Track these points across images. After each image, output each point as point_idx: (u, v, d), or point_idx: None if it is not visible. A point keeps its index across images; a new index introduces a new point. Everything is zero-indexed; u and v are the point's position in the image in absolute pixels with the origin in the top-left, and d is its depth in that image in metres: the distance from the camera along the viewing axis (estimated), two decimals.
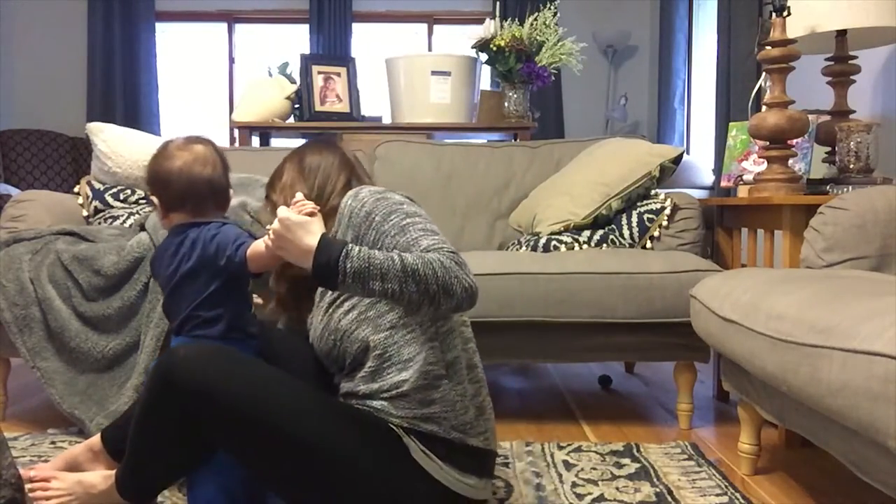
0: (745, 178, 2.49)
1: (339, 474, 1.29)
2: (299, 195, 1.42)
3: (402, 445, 1.33)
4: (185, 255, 1.48)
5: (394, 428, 1.34)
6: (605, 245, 2.44)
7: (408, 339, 1.36)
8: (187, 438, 1.34)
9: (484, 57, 3.36)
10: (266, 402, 1.28)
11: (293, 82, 3.58)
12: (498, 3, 3.71)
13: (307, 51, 5.60)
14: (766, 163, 2.30)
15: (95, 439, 1.64)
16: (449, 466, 1.35)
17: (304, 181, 1.55)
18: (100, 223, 2.58)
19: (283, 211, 1.33)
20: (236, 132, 3.62)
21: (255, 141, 3.75)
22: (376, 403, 1.36)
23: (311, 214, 1.34)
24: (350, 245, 1.29)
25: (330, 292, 1.43)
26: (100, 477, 1.53)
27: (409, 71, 3.40)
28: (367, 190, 1.42)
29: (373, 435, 1.33)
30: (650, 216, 2.46)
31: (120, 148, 2.70)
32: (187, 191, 1.51)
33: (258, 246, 1.43)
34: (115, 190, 2.68)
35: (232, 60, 6.07)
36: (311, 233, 1.30)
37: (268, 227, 1.34)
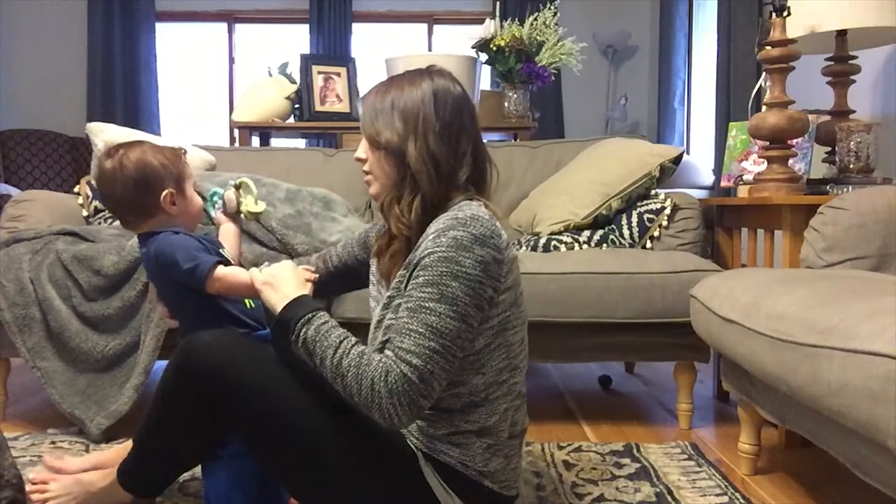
0: (745, 178, 2.49)
1: (345, 477, 1.27)
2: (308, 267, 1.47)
3: (416, 466, 1.30)
4: (147, 266, 1.54)
5: (411, 447, 1.31)
6: (605, 245, 2.44)
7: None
8: (201, 424, 1.33)
9: (484, 57, 3.36)
10: (282, 392, 1.28)
11: (293, 82, 3.59)
12: (498, 3, 3.71)
13: (307, 51, 5.60)
14: (766, 163, 2.30)
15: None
16: (462, 501, 1.30)
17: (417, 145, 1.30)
18: (100, 223, 2.58)
19: (290, 262, 1.40)
20: (236, 132, 3.62)
21: (255, 141, 3.75)
22: None
23: (309, 280, 1.38)
24: (318, 314, 1.25)
25: (382, 303, 1.35)
26: (99, 475, 1.52)
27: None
28: (453, 233, 1.23)
29: (386, 446, 1.30)
30: (650, 216, 2.46)
31: None
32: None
33: (238, 275, 1.42)
34: None
35: (232, 60, 6.06)
36: (298, 287, 1.31)
37: (264, 265, 1.38)
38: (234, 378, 1.27)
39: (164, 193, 1.47)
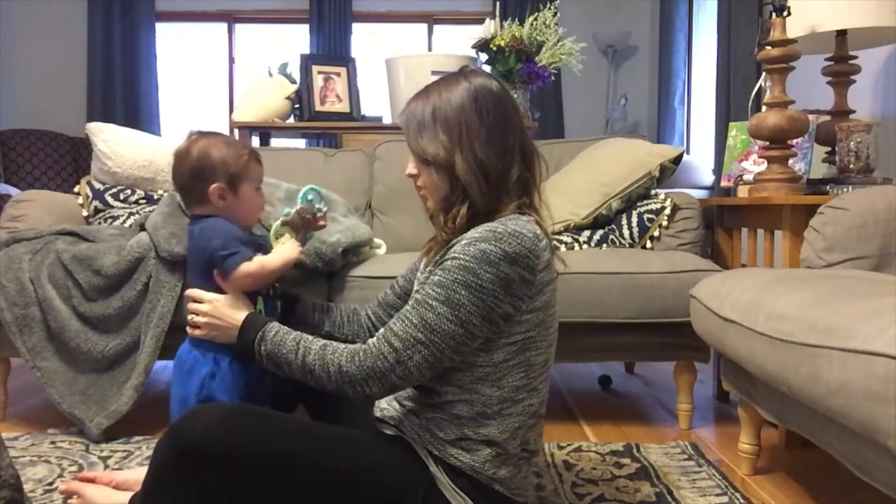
0: (745, 178, 2.49)
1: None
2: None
3: (428, 474, 1.29)
4: (189, 244, 1.58)
5: (420, 455, 1.29)
6: (605, 245, 2.44)
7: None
8: None
9: (484, 57, 3.36)
10: (296, 450, 1.22)
11: (293, 82, 3.58)
12: (498, 3, 3.70)
13: (307, 51, 5.60)
14: (766, 163, 2.30)
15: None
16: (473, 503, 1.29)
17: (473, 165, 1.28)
18: (100, 223, 2.58)
19: (215, 296, 1.43)
20: (236, 132, 3.62)
21: (256, 141, 3.75)
22: (416, 421, 1.31)
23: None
24: (269, 327, 1.33)
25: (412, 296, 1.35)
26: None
27: (409, 71, 3.40)
28: (484, 246, 1.21)
29: (400, 463, 1.29)
30: (650, 216, 2.46)
31: (120, 148, 2.70)
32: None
33: (267, 264, 1.48)
34: (115, 190, 2.68)
35: (232, 60, 6.06)
36: (236, 312, 1.39)
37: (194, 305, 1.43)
38: (244, 457, 1.18)
39: (213, 186, 1.51)
